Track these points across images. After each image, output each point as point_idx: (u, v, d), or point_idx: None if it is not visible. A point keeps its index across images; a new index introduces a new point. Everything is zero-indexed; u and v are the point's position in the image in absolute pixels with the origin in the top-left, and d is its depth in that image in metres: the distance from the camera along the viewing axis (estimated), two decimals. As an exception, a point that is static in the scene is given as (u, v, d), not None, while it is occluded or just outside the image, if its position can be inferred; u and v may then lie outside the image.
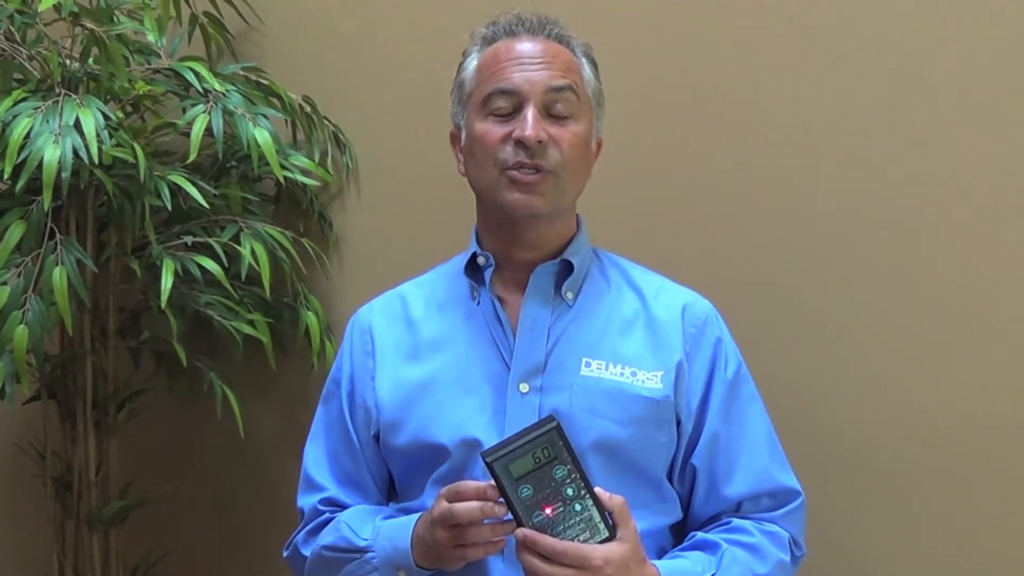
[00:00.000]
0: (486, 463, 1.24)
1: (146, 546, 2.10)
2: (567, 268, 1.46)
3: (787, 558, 1.43)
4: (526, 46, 1.43)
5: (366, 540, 1.40)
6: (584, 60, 1.48)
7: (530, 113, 1.38)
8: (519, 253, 1.45)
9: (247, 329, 1.88)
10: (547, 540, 1.23)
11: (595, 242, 1.54)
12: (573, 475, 1.26)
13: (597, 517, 1.26)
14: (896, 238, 1.71)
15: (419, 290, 1.54)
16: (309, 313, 1.97)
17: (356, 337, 1.53)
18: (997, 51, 1.65)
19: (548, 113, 1.40)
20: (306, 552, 1.50)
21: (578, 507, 1.25)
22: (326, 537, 1.46)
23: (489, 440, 1.36)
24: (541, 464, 1.25)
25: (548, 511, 1.25)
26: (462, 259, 1.50)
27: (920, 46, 1.68)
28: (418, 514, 1.37)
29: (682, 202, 1.83)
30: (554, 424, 1.26)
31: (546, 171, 1.39)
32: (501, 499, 1.25)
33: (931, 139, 1.68)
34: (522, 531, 1.24)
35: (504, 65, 1.42)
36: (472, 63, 1.47)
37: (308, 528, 1.51)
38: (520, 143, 1.38)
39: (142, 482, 2.08)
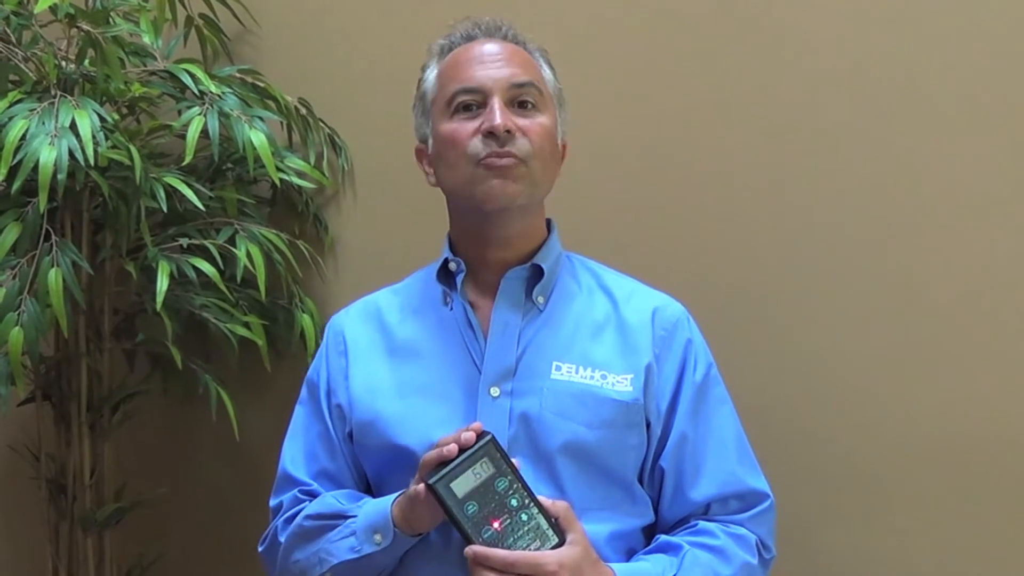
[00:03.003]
0: (428, 487, 1.26)
1: (141, 548, 2.10)
2: (537, 272, 1.47)
3: (754, 560, 1.43)
4: (485, 47, 1.46)
5: (351, 508, 1.40)
6: (542, 61, 1.51)
7: (496, 104, 1.40)
8: (492, 254, 1.46)
9: (242, 331, 1.89)
10: (497, 553, 1.25)
11: (570, 247, 1.55)
12: (515, 485, 1.28)
13: (545, 524, 1.27)
14: (875, 241, 1.72)
15: (394, 297, 1.56)
16: (304, 315, 1.97)
17: (331, 339, 1.54)
18: (983, 60, 1.65)
19: (513, 106, 1.42)
20: (283, 537, 1.48)
21: (524, 517, 1.27)
22: (309, 509, 1.45)
23: None
24: (482, 479, 1.27)
25: (496, 525, 1.26)
26: (436, 265, 1.51)
27: (904, 52, 1.69)
28: (394, 496, 1.37)
29: (658, 206, 1.84)
30: (488, 437, 1.28)
31: (518, 158, 1.40)
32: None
33: (912, 141, 1.69)
34: (471, 549, 1.25)
35: (465, 66, 1.44)
36: (432, 73, 1.49)
37: (288, 515, 1.49)
38: (490, 134, 1.39)
39: (136, 484, 2.08)
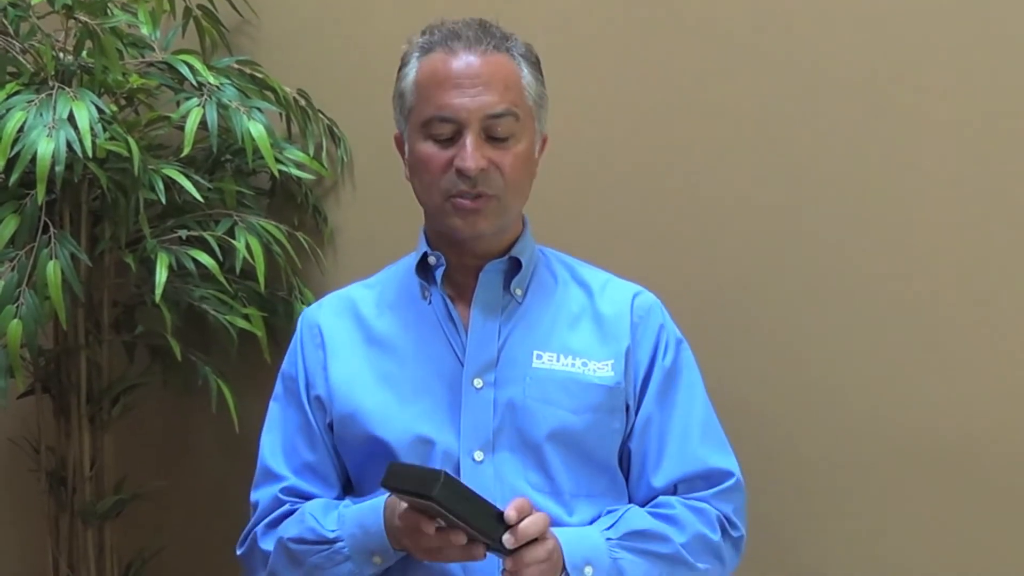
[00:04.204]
0: (435, 500, 1.21)
1: (141, 541, 2.10)
2: (514, 265, 1.47)
3: (715, 537, 1.43)
4: (463, 62, 1.40)
5: (333, 531, 1.39)
6: (523, 64, 1.45)
7: (469, 141, 1.38)
8: (467, 257, 1.47)
9: (241, 323, 1.88)
10: (530, 522, 1.25)
11: (549, 243, 1.57)
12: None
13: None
14: (861, 240, 1.73)
15: (368, 291, 1.55)
16: (304, 307, 1.96)
17: (305, 333, 1.53)
18: (973, 60, 1.66)
19: (488, 136, 1.40)
20: (266, 546, 1.47)
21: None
22: (290, 529, 1.44)
23: (442, 438, 1.40)
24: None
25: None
26: (410, 260, 1.52)
27: (896, 52, 1.70)
28: (383, 498, 1.37)
29: (636, 202, 1.85)
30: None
31: (488, 196, 1.40)
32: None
33: (905, 140, 1.70)
34: (511, 534, 1.24)
35: (442, 87, 1.40)
36: (411, 73, 1.45)
37: (267, 520, 1.48)
38: (461, 172, 1.38)
39: (136, 477, 2.08)
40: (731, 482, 1.47)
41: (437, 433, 1.41)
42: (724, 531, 1.45)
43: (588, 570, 1.33)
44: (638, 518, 1.40)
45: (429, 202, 1.44)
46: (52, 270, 1.68)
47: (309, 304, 1.95)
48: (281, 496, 1.48)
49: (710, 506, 1.45)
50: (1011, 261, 1.65)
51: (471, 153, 1.38)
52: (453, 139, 1.40)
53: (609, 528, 1.38)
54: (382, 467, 1.38)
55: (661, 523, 1.41)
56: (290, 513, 1.47)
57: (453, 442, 1.40)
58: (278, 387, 1.55)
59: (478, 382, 1.42)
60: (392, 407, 1.43)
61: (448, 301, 1.46)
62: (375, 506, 1.37)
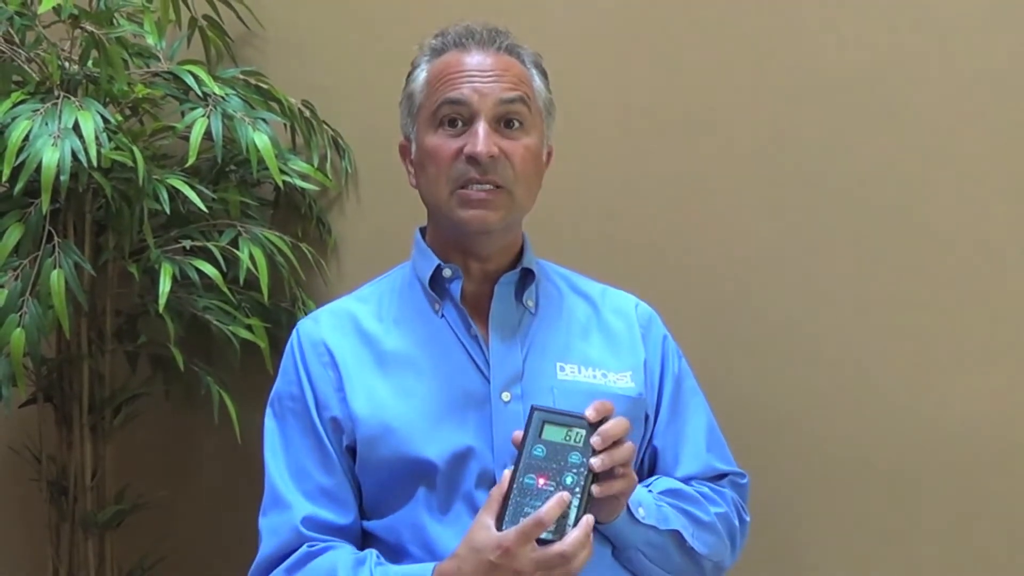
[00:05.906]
0: (533, 407, 1.26)
1: (141, 551, 2.09)
2: (525, 276, 1.47)
3: (735, 520, 1.47)
4: (476, 59, 1.42)
5: None
6: (534, 70, 1.47)
7: (481, 128, 1.38)
8: (475, 265, 1.46)
9: (245, 334, 1.88)
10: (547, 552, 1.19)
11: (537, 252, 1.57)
12: (582, 471, 1.24)
13: (566, 521, 1.22)
14: (866, 238, 1.74)
15: (364, 305, 1.51)
16: (307, 318, 1.96)
17: (308, 349, 1.46)
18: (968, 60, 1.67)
19: (499, 126, 1.40)
20: None
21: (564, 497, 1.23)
22: None
23: (482, 448, 1.38)
24: (567, 443, 1.25)
25: (541, 482, 1.23)
26: (403, 272, 1.51)
27: (891, 52, 1.71)
28: (432, 564, 1.30)
29: (631, 208, 1.87)
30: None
31: (499, 186, 1.39)
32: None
33: (897, 145, 1.72)
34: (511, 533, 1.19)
35: (454, 77, 1.41)
36: (421, 75, 1.46)
37: (288, 564, 1.38)
38: (472, 159, 1.37)
39: (138, 487, 2.07)
40: (745, 480, 1.54)
41: (476, 445, 1.38)
42: (739, 516, 1.49)
43: (641, 511, 1.35)
44: (669, 482, 1.45)
45: (435, 195, 1.41)
46: (56, 279, 1.68)
47: (313, 315, 1.96)
48: (304, 531, 1.38)
49: (728, 491, 1.49)
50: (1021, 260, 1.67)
51: (483, 138, 1.37)
52: (464, 129, 1.39)
53: (648, 486, 1.42)
54: (409, 488, 1.37)
55: (693, 492, 1.44)
56: (312, 557, 1.37)
57: (488, 457, 1.38)
58: (277, 407, 1.47)
59: (506, 396, 1.40)
60: (423, 424, 1.38)
61: (467, 315, 1.44)
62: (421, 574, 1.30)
